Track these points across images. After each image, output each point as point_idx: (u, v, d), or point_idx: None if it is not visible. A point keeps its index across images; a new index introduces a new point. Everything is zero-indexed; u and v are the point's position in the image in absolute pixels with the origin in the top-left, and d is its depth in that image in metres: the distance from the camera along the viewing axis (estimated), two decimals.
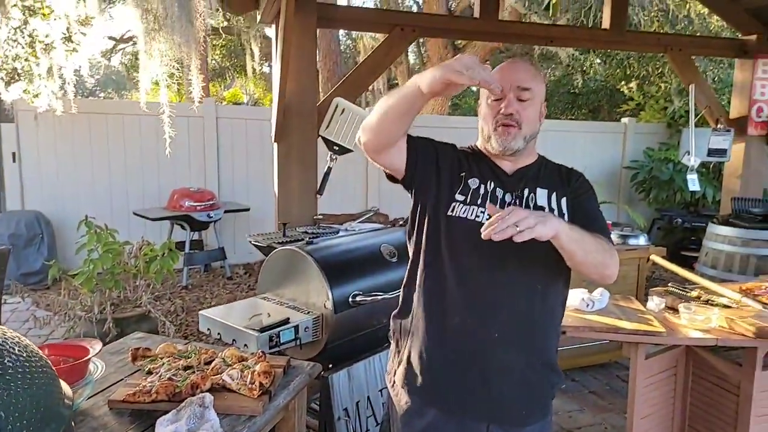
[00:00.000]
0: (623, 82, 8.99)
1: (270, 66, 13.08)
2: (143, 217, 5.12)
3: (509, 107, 1.38)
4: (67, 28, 4.19)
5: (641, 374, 2.01)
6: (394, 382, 1.49)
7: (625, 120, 7.91)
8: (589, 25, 7.04)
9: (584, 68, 9.24)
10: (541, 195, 1.42)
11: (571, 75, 10.01)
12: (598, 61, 8.97)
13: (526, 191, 1.43)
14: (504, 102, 1.38)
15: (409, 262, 1.51)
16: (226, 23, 10.47)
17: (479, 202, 1.39)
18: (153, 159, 5.85)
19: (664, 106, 7.89)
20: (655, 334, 1.91)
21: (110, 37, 10.95)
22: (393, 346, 1.55)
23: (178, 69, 3.97)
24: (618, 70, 9.05)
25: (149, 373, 1.54)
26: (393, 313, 1.56)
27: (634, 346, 1.97)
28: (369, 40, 10.69)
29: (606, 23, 4.01)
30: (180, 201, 5.29)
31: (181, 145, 5.39)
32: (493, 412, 1.38)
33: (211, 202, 5.45)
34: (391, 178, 1.46)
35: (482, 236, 1.14)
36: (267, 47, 11.24)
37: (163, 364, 1.56)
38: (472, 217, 1.37)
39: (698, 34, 6.67)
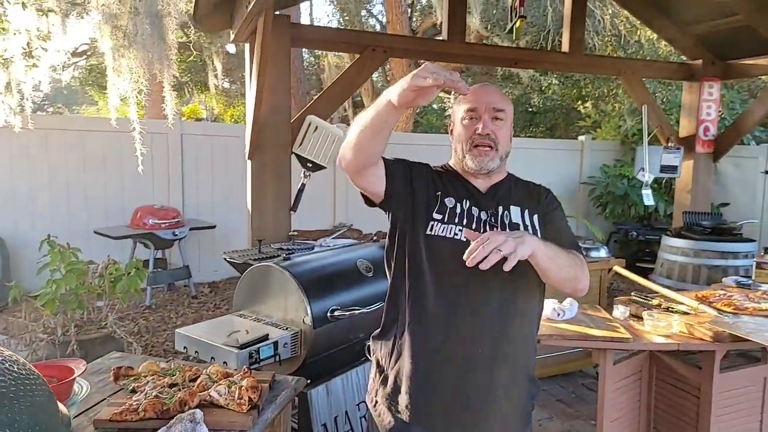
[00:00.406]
0: (579, 102, 9.39)
1: (230, 81, 13.00)
2: (105, 236, 4.98)
3: (486, 128, 1.43)
4: (28, 43, 4.09)
5: (610, 379, 2.11)
6: (377, 401, 1.49)
7: (581, 138, 8.24)
8: (548, 48, 7.35)
9: (542, 88, 9.61)
10: (515, 212, 1.46)
11: (530, 94, 10.38)
12: (556, 81, 9.35)
13: (500, 209, 1.46)
14: (480, 123, 1.43)
15: (390, 283, 1.52)
16: (185, 38, 10.38)
17: (456, 220, 1.41)
18: (115, 176, 5.72)
19: (619, 125, 8.27)
20: (623, 341, 2.01)
21: (63, 51, 10.66)
22: (374, 366, 1.54)
23: (147, 86, 3.92)
24: (574, 90, 9.45)
25: (133, 391, 1.52)
26: (373, 333, 1.55)
27: (603, 352, 2.07)
28: (333, 58, 10.81)
29: (565, 47, 4.22)
30: (144, 219, 5.18)
31: (144, 161, 5.31)
32: (479, 429, 1.39)
33: (176, 220, 5.36)
34: (368, 201, 1.47)
35: (467, 263, 1.16)
36: (229, 63, 11.19)
37: (148, 382, 1.55)
38: (451, 236, 1.39)
39: (648, 58, 7.06)
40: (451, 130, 1.55)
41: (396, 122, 1.31)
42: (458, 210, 1.44)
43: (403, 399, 1.41)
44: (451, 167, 1.56)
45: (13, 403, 0.87)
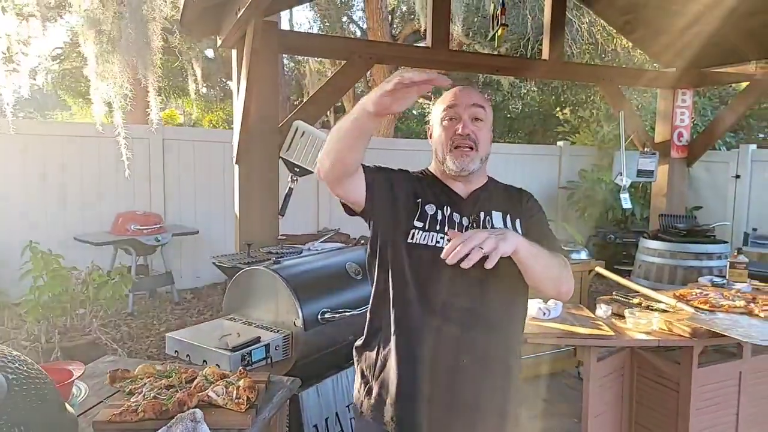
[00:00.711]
0: (557, 108, 9.58)
1: (208, 86, 12.92)
2: (87, 242, 4.92)
3: (466, 128, 1.40)
4: (8, 48, 4.05)
5: (594, 376, 2.18)
6: (362, 412, 1.47)
7: (560, 143, 8.41)
8: (527, 55, 7.51)
9: (521, 94, 9.79)
10: (497, 218, 1.44)
11: (509, 101, 10.56)
12: (535, 88, 9.54)
13: (482, 214, 1.43)
14: (460, 123, 1.41)
15: (373, 292, 1.49)
16: (163, 42, 10.27)
17: (438, 228, 1.38)
18: (94, 182, 5.65)
19: (596, 131, 8.47)
20: (606, 338, 2.08)
21: (38, 56, 10.49)
22: (359, 376, 1.52)
23: (131, 91, 3.90)
24: (552, 97, 9.65)
25: (131, 394, 1.53)
26: (357, 343, 1.54)
27: (587, 349, 2.14)
28: (315, 64, 10.83)
29: (546, 55, 4.33)
30: (126, 225, 5.13)
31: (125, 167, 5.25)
32: None
33: (158, 226, 5.32)
34: (348, 210, 1.44)
35: (447, 261, 1.15)
36: (207, 68, 11.12)
37: (145, 384, 1.56)
38: (433, 243, 1.36)
39: (624, 66, 7.26)
40: (431, 134, 1.52)
41: (374, 131, 1.30)
42: (439, 217, 1.41)
43: (388, 411, 1.39)
44: (430, 172, 1.53)
45: (26, 401, 0.89)
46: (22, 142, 5.28)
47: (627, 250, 6.76)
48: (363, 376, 1.49)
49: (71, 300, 3.40)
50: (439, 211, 1.41)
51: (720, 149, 7.88)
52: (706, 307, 2.34)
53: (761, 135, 9.58)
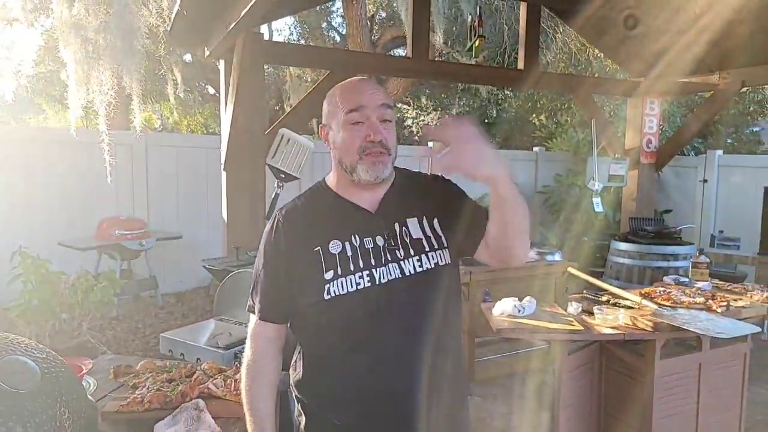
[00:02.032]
0: (534, 114, 9.84)
1: (186, 91, 12.90)
2: (72, 247, 4.95)
3: (378, 134, 1.21)
4: None
5: (565, 369, 2.34)
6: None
7: (536, 149, 8.66)
8: (504, 63, 7.74)
9: (498, 100, 10.03)
10: (413, 226, 1.28)
11: (487, 106, 10.79)
12: (511, 94, 9.78)
13: (396, 227, 1.27)
14: (370, 127, 1.21)
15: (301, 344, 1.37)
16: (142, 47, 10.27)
17: (352, 267, 1.21)
18: (77, 188, 5.66)
19: (572, 136, 8.73)
20: (576, 332, 2.25)
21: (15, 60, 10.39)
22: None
23: (115, 98, 3.97)
24: (529, 103, 9.91)
25: (134, 387, 1.63)
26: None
27: (559, 343, 2.30)
28: (295, 70, 10.92)
29: (521, 65, 4.52)
30: (110, 230, 5.17)
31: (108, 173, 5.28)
32: None
33: (142, 230, 5.37)
34: None
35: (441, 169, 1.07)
36: (187, 73, 11.13)
37: (147, 378, 1.66)
38: (353, 288, 1.20)
39: (597, 75, 7.53)
40: (326, 137, 1.30)
41: None
42: (349, 252, 1.22)
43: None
44: (325, 186, 1.33)
45: (58, 384, 1.00)
46: (3, 148, 5.28)
47: (601, 253, 6.99)
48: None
49: (60, 304, 3.44)
50: (347, 245, 1.23)
51: (689, 155, 8.20)
52: (668, 303, 2.53)
53: (729, 140, 9.98)
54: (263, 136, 3.15)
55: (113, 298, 3.86)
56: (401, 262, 1.23)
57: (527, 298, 2.49)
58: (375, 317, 1.20)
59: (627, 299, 2.58)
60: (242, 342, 2.29)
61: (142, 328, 4.97)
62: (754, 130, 10.93)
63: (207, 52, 3.20)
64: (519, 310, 2.41)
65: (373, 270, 1.21)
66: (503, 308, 2.42)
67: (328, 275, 1.20)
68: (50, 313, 3.33)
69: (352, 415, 1.25)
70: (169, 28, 3.06)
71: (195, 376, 1.68)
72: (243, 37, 2.65)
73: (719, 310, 2.44)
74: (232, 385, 1.61)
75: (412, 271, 1.23)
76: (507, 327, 2.26)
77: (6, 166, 5.37)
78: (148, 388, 1.58)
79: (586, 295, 2.69)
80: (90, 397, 1.18)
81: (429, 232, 1.28)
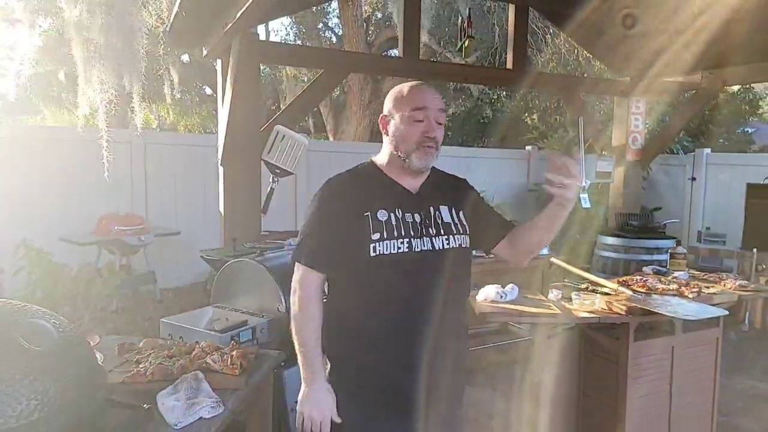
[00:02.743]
0: (526, 114, 9.99)
1: (183, 91, 13.00)
2: (72, 242, 5.06)
3: (434, 131, 1.49)
4: None
5: (545, 352, 2.48)
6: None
7: (528, 148, 8.80)
8: (496, 64, 7.89)
9: (492, 101, 10.17)
10: (444, 211, 1.55)
11: (482, 107, 10.95)
12: (505, 94, 9.92)
13: (431, 209, 1.53)
14: (429, 125, 1.48)
15: (336, 299, 1.55)
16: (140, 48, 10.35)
17: (396, 234, 1.45)
18: (76, 185, 5.77)
19: (563, 135, 8.88)
20: (554, 316, 2.38)
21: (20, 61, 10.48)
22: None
23: (116, 96, 4.09)
24: (522, 103, 10.06)
25: (137, 363, 1.76)
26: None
27: (539, 327, 2.43)
28: (291, 70, 11.05)
29: (510, 65, 4.66)
30: (110, 226, 5.28)
31: (107, 171, 5.39)
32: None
33: (141, 226, 5.49)
34: None
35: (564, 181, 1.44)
36: (184, 73, 11.24)
37: (150, 354, 1.79)
38: (395, 251, 1.44)
39: (585, 75, 7.68)
40: (386, 127, 1.54)
41: None
42: (393, 222, 1.47)
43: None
44: (373, 167, 1.58)
45: (73, 347, 1.12)
46: (3, 146, 5.39)
47: (591, 248, 7.15)
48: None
49: (63, 296, 3.57)
50: (392, 215, 1.47)
51: (678, 153, 8.36)
52: (643, 290, 2.66)
53: (721, 140, 10.14)
54: (259, 132, 3.27)
55: (115, 291, 4.00)
56: (433, 238, 1.50)
57: (510, 285, 2.62)
58: (410, 278, 1.45)
59: (605, 286, 2.71)
60: (238, 326, 2.42)
61: (141, 321, 5.09)
62: (748, 130, 11.09)
63: (204, 52, 3.32)
64: (501, 296, 2.54)
65: (412, 239, 1.47)
66: (487, 294, 2.55)
67: (375, 236, 1.44)
68: (53, 305, 3.46)
69: (371, 357, 1.49)
70: (168, 29, 3.18)
71: (194, 353, 1.81)
72: (239, 38, 2.78)
73: (690, 295, 2.58)
74: (228, 360, 1.74)
75: (441, 247, 1.50)
76: (489, 311, 2.39)
77: (7, 164, 5.47)
78: (150, 363, 1.71)
79: (566, 283, 2.83)
80: (99, 362, 1.30)
81: (456, 220, 1.56)
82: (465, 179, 1.71)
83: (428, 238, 1.49)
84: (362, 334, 1.50)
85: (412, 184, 1.56)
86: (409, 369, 1.47)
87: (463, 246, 1.55)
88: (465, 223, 1.58)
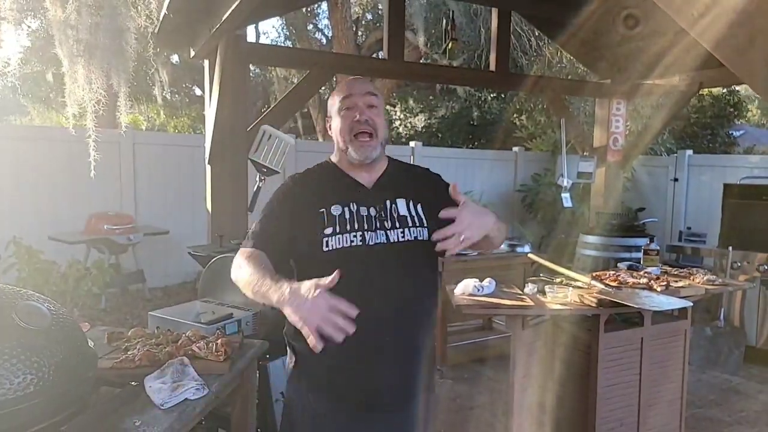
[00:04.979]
0: (515, 115, 10.14)
1: (173, 92, 13.03)
2: (61, 241, 5.10)
3: (363, 114, 1.48)
4: None
5: (519, 342, 2.58)
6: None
7: (515, 149, 8.93)
8: (482, 66, 8.01)
9: (479, 103, 10.31)
10: (401, 205, 1.54)
11: (469, 108, 11.07)
12: (492, 95, 10.05)
13: (387, 203, 1.53)
14: (356, 111, 1.49)
15: None
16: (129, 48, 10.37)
17: (348, 227, 1.46)
18: (66, 184, 5.81)
19: (551, 136, 9.03)
20: (527, 308, 2.48)
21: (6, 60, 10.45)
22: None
23: (105, 96, 4.14)
24: (509, 105, 10.20)
25: (126, 350, 1.83)
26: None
27: (513, 318, 2.53)
28: (281, 71, 11.13)
29: (492, 66, 4.77)
30: (99, 224, 5.34)
31: (96, 171, 5.42)
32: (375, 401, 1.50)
33: (130, 225, 5.55)
34: None
35: (438, 248, 1.31)
36: (174, 74, 11.28)
37: (138, 342, 1.87)
38: (348, 245, 1.45)
39: (569, 77, 7.82)
40: (329, 126, 1.59)
41: None
42: (347, 216, 1.48)
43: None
44: (331, 164, 1.61)
45: (66, 328, 1.20)
46: None
47: (574, 247, 7.29)
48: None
49: (52, 293, 3.62)
50: (346, 209, 1.49)
51: (661, 155, 8.53)
52: (614, 284, 2.77)
53: (704, 142, 10.34)
54: (246, 132, 3.35)
55: (103, 289, 4.05)
56: (388, 231, 1.49)
57: (487, 279, 2.73)
58: (363, 272, 1.44)
59: (578, 280, 2.82)
60: (224, 319, 2.50)
61: (129, 319, 5.14)
62: (734, 133, 11.29)
63: (192, 53, 3.40)
64: (478, 290, 2.64)
65: (365, 233, 1.47)
66: (464, 287, 2.65)
67: (328, 231, 1.46)
68: None
69: (334, 352, 1.37)
70: (156, 30, 3.25)
71: (180, 341, 1.89)
72: (225, 39, 2.86)
73: (659, 289, 2.69)
74: (213, 347, 1.82)
75: (396, 240, 1.49)
76: (466, 303, 2.49)
77: None
78: (138, 350, 1.79)
79: (542, 277, 2.94)
80: (91, 344, 1.39)
81: (413, 213, 1.54)
82: (428, 169, 1.69)
83: (383, 231, 1.49)
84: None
85: (367, 178, 1.56)
86: (365, 361, 1.46)
87: (419, 238, 1.51)
88: (423, 216, 1.55)
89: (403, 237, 1.50)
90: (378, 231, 1.49)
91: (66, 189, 5.82)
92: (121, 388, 1.36)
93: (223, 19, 2.68)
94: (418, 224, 1.53)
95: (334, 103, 1.56)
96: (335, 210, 1.48)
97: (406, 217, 1.52)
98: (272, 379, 2.67)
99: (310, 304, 1.16)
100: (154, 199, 6.39)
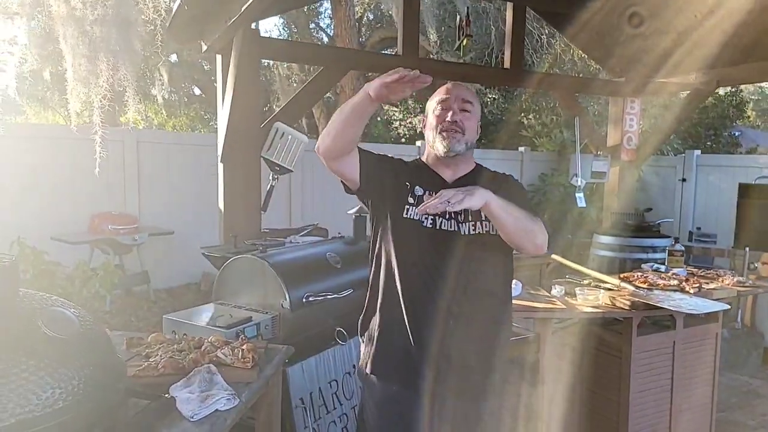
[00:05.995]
0: (522, 114, 10.05)
1: (171, 92, 12.91)
2: (64, 241, 4.99)
3: (455, 115, 1.61)
4: None
5: (549, 346, 2.49)
6: (367, 373, 1.68)
7: (521, 148, 8.85)
8: (492, 63, 7.92)
9: (486, 102, 10.22)
10: None
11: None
12: (499, 95, 9.95)
13: None
14: (450, 112, 1.61)
15: (374, 264, 1.69)
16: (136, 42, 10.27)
17: None
18: (69, 183, 5.70)
19: (558, 136, 8.94)
20: (558, 311, 2.39)
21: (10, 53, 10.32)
22: (362, 344, 1.74)
23: (110, 92, 4.04)
24: (518, 104, 10.12)
25: (147, 357, 1.73)
26: (361, 318, 1.74)
27: (543, 322, 2.44)
28: (284, 69, 11.03)
29: (507, 64, 4.67)
30: (103, 224, 5.23)
31: (100, 169, 5.33)
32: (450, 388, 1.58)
33: (134, 225, 5.44)
34: (346, 188, 1.64)
35: (417, 210, 1.44)
36: (173, 73, 11.15)
37: (159, 348, 1.77)
38: (420, 220, 1.58)
39: (581, 75, 7.73)
40: (424, 124, 1.72)
41: (372, 113, 1.48)
42: (426, 198, 1.56)
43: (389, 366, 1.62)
44: (421, 161, 1.74)
45: (94, 336, 1.10)
46: None
47: (585, 249, 7.20)
48: (366, 341, 1.72)
49: (57, 295, 3.51)
50: (427, 192, 1.61)
51: (668, 155, 8.46)
52: (645, 285, 2.69)
53: (708, 142, 10.28)
54: (259, 129, 3.25)
55: (109, 290, 3.95)
56: (460, 224, 1.60)
57: (514, 281, 2.63)
58: (431, 252, 1.57)
59: (607, 282, 2.73)
60: (243, 322, 2.40)
61: (135, 321, 5.04)
62: (735, 134, 11.26)
63: (204, 47, 3.30)
64: None
65: (437, 218, 1.59)
66: None
67: (411, 200, 1.61)
68: None
69: (388, 317, 1.62)
70: (168, 24, 3.15)
71: (203, 347, 1.79)
72: (241, 33, 2.76)
73: (692, 290, 2.61)
74: (239, 353, 1.72)
75: (467, 232, 1.59)
76: None
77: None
78: (160, 356, 1.68)
79: (569, 279, 2.84)
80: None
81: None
82: (511, 175, 1.82)
83: (455, 222, 1.59)
84: (386, 294, 1.62)
85: (449, 174, 1.68)
86: (418, 342, 1.56)
87: (491, 233, 1.58)
88: None
89: (475, 230, 1.59)
90: (451, 221, 1.59)
91: (68, 188, 5.70)
92: (148, 400, 1.25)
93: (241, 11, 2.58)
94: (489, 221, 1.59)
95: (431, 103, 1.69)
96: (418, 190, 1.62)
97: (480, 212, 1.56)
98: (292, 385, 2.57)
99: (392, 72, 1.32)
100: (158, 199, 6.27)
